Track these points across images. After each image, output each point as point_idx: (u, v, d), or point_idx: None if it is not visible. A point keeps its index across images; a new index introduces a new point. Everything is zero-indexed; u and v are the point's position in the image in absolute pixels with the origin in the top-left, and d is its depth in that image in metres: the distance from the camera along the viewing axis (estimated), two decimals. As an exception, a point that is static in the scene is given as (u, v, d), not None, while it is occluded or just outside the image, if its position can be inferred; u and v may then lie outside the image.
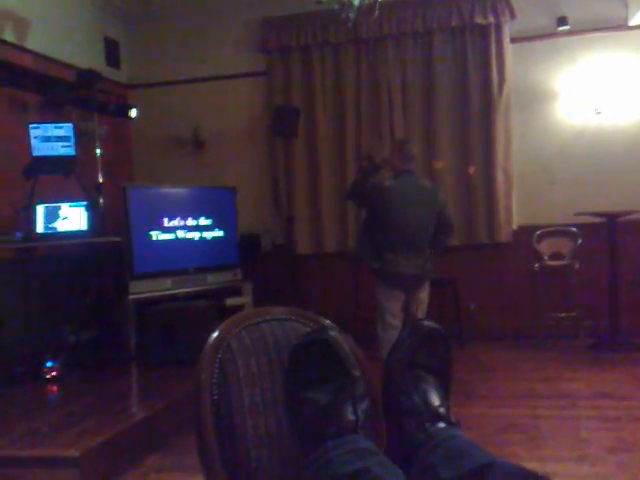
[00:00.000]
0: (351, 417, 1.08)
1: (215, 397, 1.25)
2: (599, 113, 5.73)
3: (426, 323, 1.22)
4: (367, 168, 4.19)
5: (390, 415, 1.17)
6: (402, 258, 4.06)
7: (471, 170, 5.88)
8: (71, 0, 5.78)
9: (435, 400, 1.13)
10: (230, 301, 5.64)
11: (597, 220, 5.40)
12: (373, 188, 4.11)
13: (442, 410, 1.12)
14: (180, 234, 5.61)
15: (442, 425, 1.10)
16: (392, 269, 4.06)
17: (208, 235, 5.81)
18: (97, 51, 6.17)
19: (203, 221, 5.77)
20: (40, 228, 4.87)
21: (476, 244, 5.94)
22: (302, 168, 6.25)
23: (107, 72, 6.07)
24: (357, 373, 1.16)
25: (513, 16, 5.76)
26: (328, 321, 1.40)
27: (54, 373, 4.44)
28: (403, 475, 0.98)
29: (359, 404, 1.11)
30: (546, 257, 5.76)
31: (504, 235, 5.88)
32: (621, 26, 5.63)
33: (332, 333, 1.19)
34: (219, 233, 5.88)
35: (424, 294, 4.26)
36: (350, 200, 4.56)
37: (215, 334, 1.31)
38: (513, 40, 5.85)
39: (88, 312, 5.21)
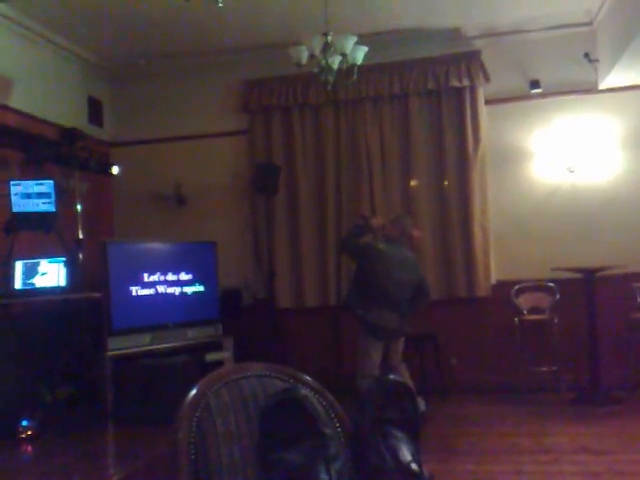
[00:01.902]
0: (324, 478, 1.08)
1: (193, 457, 1.24)
2: (572, 172, 5.89)
3: (391, 377, 1.23)
4: (362, 226, 4.79)
5: (362, 473, 1.17)
6: (385, 312, 4.60)
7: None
8: (55, 60, 5.89)
9: (406, 456, 1.12)
10: (211, 356, 5.58)
11: (573, 275, 5.48)
12: (368, 247, 4.73)
13: (414, 466, 1.11)
14: (160, 289, 5.59)
15: None
16: (375, 321, 4.59)
17: (188, 290, 5.80)
18: (80, 110, 6.26)
19: (183, 276, 5.77)
20: (18, 284, 4.83)
21: (455, 298, 5.98)
22: (283, 224, 6.31)
23: (90, 130, 6.15)
24: (329, 431, 1.15)
25: (487, 79, 5.96)
26: (307, 377, 1.40)
27: (30, 432, 4.34)
28: None
29: (332, 464, 1.10)
30: (525, 311, 5.81)
31: (483, 290, 5.93)
32: (591, 89, 5.84)
33: (302, 392, 1.19)
34: (199, 288, 5.87)
35: (400, 345, 4.83)
36: (345, 253, 5.06)
37: (193, 392, 1.31)
38: (488, 102, 6.04)
39: (65, 369, 5.12)
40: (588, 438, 4.36)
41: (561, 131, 5.92)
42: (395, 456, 1.12)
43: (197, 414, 1.28)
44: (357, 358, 4.69)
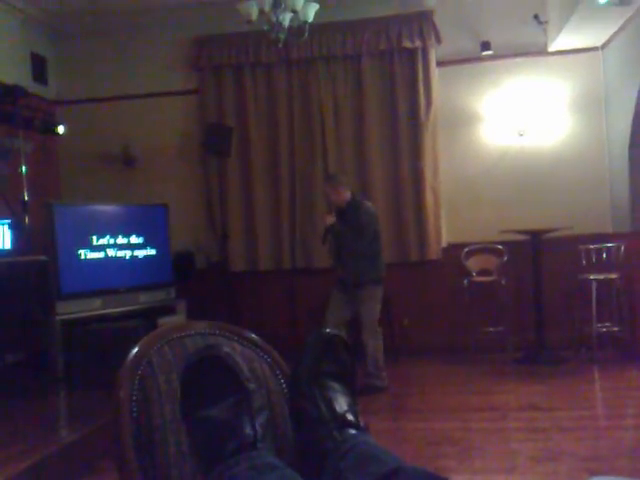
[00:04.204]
0: (249, 432, 1.07)
1: (135, 414, 1.22)
2: (522, 135, 5.97)
3: (328, 330, 1.23)
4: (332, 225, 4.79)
5: (299, 425, 1.17)
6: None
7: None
8: (-4, 15, 5.63)
9: (342, 407, 1.13)
10: (163, 320, 5.53)
11: (521, 237, 5.59)
12: (367, 211, 4.81)
13: (349, 416, 1.12)
14: (110, 253, 5.48)
15: (351, 431, 1.10)
16: (383, 273, 4.96)
17: (139, 253, 5.70)
18: (24, 67, 6.01)
19: (134, 239, 5.66)
20: (-39, 247, 4.68)
21: (407, 261, 6.04)
22: (236, 186, 6.24)
23: (34, 88, 5.92)
24: (252, 386, 1.15)
25: (439, 40, 5.96)
26: (252, 334, 1.40)
27: (-21, 398, 4.25)
28: None
29: (257, 417, 1.10)
30: (474, 273, 5.92)
31: (434, 252, 6.01)
32: (541, 52, 5.91)
33: (224, 349, 1.18)
34: (151, 251, 5.78)
35: None
36: (360, 243, 4.82)
37: (135, 350, 1.28)
38: (439, 64, 6.04)
39: (14, 334, 5.00)
40: (534, 396, 4.52)
41: (511, 94, 5.98)
42: (331, 407, 1.13)
43: (139, 372, 1.26)
44: (373, 321, 4.89)
